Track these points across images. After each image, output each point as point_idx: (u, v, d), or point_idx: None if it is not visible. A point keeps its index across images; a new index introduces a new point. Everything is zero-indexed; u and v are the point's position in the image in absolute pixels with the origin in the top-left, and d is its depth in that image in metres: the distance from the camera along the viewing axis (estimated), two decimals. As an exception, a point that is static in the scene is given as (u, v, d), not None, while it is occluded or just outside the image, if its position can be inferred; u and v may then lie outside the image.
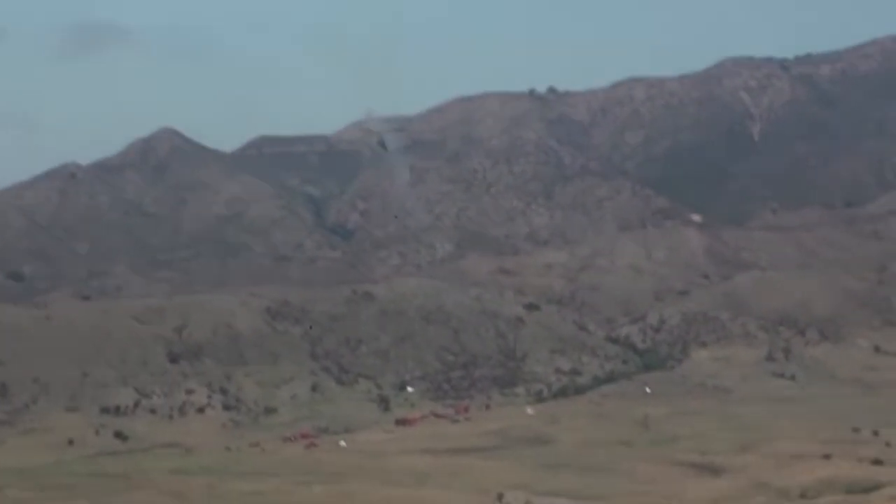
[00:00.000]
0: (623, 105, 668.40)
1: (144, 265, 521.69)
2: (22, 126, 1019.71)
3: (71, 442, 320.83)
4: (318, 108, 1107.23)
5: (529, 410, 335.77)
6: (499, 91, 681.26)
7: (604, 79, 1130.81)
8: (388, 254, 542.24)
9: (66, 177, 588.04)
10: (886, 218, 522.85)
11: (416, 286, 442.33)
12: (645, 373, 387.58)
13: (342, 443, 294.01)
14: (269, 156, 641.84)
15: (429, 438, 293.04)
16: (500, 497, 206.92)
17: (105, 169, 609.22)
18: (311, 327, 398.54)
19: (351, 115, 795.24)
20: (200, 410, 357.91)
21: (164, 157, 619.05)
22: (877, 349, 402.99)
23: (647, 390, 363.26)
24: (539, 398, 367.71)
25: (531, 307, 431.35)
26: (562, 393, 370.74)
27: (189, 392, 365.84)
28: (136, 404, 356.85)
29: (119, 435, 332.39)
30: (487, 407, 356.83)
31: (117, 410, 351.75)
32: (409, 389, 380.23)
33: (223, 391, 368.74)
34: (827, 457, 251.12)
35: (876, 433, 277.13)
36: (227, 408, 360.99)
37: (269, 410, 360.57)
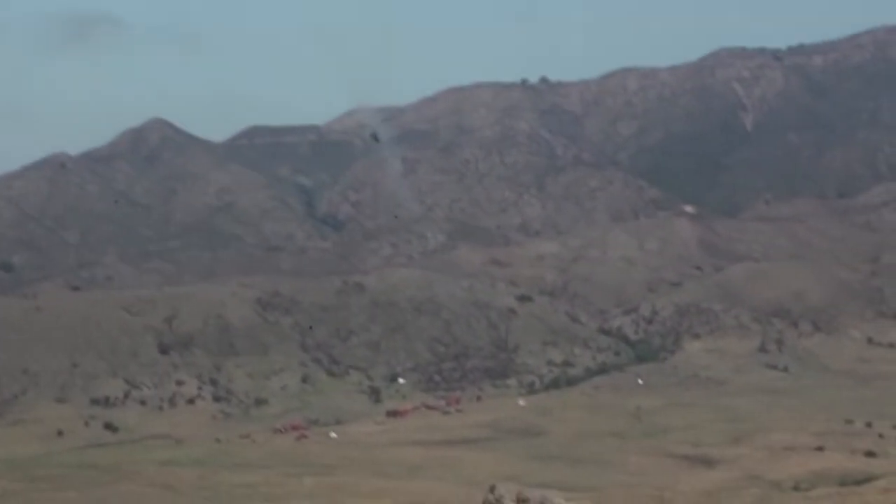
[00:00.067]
0: (616, 96, 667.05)
1: (134, 256, 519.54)
2: (12, 116, 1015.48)
3: (60, 433, 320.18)
4: (309, 99, 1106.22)
5: (521, 402, 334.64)
6: (491, 81, 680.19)
7: (596, 69, 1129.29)
8: (379, 244, 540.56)
9: (55, 167, 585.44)
10: (879, 209, 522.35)
11: (407, 277, 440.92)
12: (637, 364, 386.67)
13: (333, 434, 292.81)
14: (259, 146, 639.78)
15: (420, 430, 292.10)
16: (492, 489, 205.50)
17: (95, 159, 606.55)
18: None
19: (342, 106, 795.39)
20: (191, 402, 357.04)
21: (155, 148, 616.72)
22: (870, 340, 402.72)
23: (640, 382, 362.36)
24: (531, 390, 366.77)
25: (523, 298, 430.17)
26: (554, 385, 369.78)
27: (179, 383, 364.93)
28: (126, 395, 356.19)
29: (109, 426, 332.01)
30: (479, 398, 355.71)
31: (107, 401, 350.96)
32: (401, 381, 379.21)
33: (213, 382, 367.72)
34: (820, 449, 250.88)
35: (869, 425, 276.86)
36: (217, 399, 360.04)
37: (260, 402, 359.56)
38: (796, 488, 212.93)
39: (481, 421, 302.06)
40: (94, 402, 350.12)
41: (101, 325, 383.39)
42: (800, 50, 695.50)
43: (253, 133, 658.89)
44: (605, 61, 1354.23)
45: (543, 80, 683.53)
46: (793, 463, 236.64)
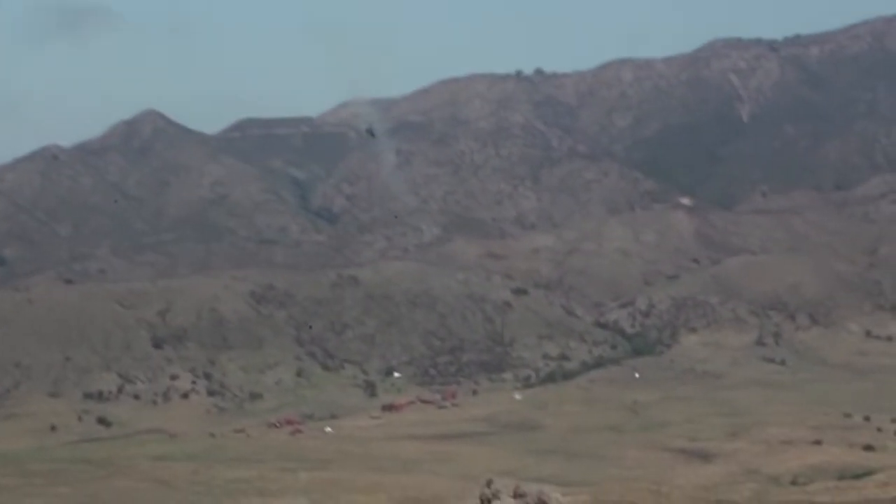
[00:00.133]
0: (611, 87, 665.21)
1: (127, 248, 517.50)
2: (3, 108, 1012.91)
3: (53, 428, 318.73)
4: (302, 91, 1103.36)
5: (517, 396, 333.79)
6: (486, 73, 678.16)
7: (591, 60, 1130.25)
8: (373, 237, 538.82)
9: (48, 159, 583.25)
10: (877, 200, 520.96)
11: (402, 270, 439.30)
12: (634, 358, 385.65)
13: (328, 429, 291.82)
14: (253, 138, 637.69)
15: (416, 424, 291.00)
16: (488, 483, 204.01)
17: (87, 151, 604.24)
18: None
19: (336, 97, 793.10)
20: (185, 396, 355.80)
21: (148, 140, 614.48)
22: (868, 334, 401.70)
23: (636, 375, 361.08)
24: (527, 384, 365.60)
25: (519, 291, 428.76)
26: (550, 378, 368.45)
27: (173, 377, 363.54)
28: (120, 390, 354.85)
29: (102, 421, 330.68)
30: (475, 392, 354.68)
31: (100, 396, 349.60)
32: (396, 375, 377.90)
33: (207, 376, 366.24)
34: (818, 443, 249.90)
35: (867, 418, 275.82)
36: (211, 393, 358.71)
37: (254, 396, 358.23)
38: (794, 482, 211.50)
39: (477, 415, 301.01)
40: (88, 396, 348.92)
41: (94, 319, 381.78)
42: (796, 41, 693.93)
43: (246, 125, 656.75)
44: (600, 52, 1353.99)
45: (538, 72, 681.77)
46: (790, 457, 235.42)
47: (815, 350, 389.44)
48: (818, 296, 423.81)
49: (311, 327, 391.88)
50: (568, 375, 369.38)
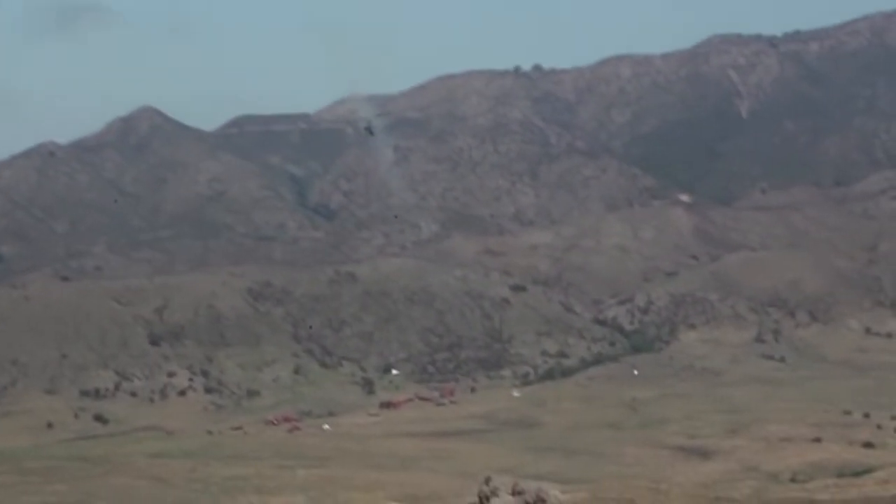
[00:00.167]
0: (609, 83, 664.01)
1: (124, 245, 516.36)
2: (1, 105, 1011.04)
3: (50, 425, 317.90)
4: (299, 87, 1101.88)
5: (516, 393, 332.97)
6: (484, 69, 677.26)
7: (590, 56, 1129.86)
8: (371, 234, 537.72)
9: (44, 155, 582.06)
10: (877, 197, 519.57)
11: (400, 267, 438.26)
12: (633, 355, 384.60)
13: (326, 426, 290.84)
14: (250, 135, 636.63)
15: (414, 422, 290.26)
16: (487, 481, 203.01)
17: (84, 148, 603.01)
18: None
19: (333, 94, 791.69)
20: (182, 393, 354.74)
21: (144, 136, 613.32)
22: (867, 330, 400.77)
23: (635, 372, 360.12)
24: (525, 381, 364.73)
25: (517, 288, 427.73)
26: (548, 375, 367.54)
27: (170, 374, 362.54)
28: (117, 387, 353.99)
29: (99, 418, 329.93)
30: (473, 390, 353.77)
31: (97, 393, 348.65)
32: (394, 372, 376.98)
33: (205, 373, 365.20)
34: (817, 440, 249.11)
35: (867, 416, 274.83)
36: (208, 390, 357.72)
37: (252, 393, 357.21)
38: (793, 480, 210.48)
39: (475, 412, 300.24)
40: (84, 393, 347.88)
41: (90, 316, 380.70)
42: (795, 36, 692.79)
43: (243, 122, 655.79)
44: (598, 48, 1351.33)
45: (536, 68, 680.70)
46: (790, 454, 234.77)
47: (814, 347, 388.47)
48: (818, 292, 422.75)
49: (311, 327, 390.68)
50: (566, 372, 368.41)
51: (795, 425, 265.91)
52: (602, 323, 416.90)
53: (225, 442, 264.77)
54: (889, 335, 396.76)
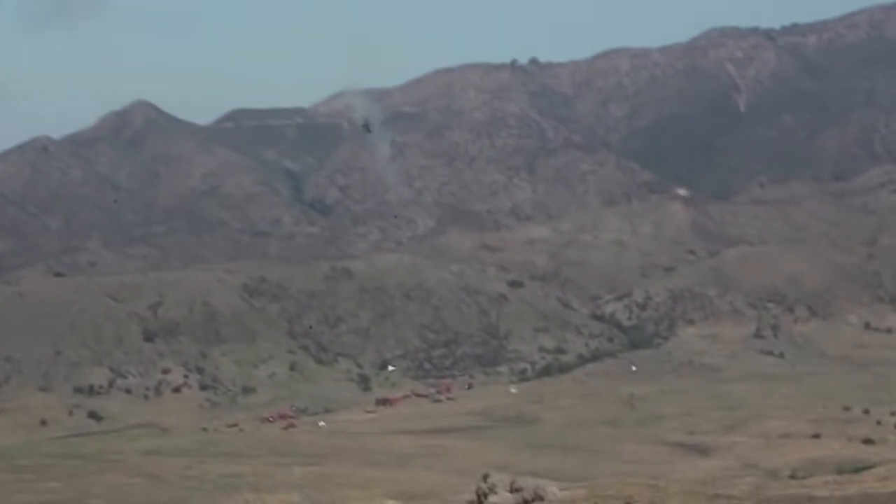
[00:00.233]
0: (607, 77, 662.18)
1: (118, 241, 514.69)
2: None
3: (44, 422, 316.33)
4: (295, 80, 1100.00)
5: (513, 389, 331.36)
6: (480, 62, 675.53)
7: (587, 50, 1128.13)
8: (367, 229, 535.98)
9: (38, 150, 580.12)
10: (876, 191, 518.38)
11: (396, 262, 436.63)
12: (631, 351, 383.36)
13: (322, 423, 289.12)
14: (245, 129, 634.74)
15: (410, 418, 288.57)
16: (485, 478, 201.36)
17: (78, 142, 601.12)
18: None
19: (329, 88, 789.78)
20: (176, 390, 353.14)
21: (139, 131, 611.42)
22: (867, 326, 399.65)
23: (633, 369, 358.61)
24: (523, 377, 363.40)
25: (514, 284, 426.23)
26: (546, 372, 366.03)
27: (165, 371, 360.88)
28: (111, 384, 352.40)
29: (93, 415, 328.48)
30: (470, 386, 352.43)
31: (91, 390, 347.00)
32: (390, 368, 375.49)
33: (199, 370, 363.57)
34: (817, 436, 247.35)
35: (867, 412, 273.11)
36: (203, 387, 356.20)
37: (247, 390, 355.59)
38: (793, 476, 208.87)
39: (472, 409, 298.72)
40: (78, 390, 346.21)
41: (84, 312, 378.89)
42: (794, 29, 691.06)
43: (239, 115, 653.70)
44: (595, 42, 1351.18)
45: (533, 61, 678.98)
46: (789, 450, 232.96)
47: (813, 342, 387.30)
48: (817, 287, 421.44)
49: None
50: (564, 369, 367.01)
51: (794, 421, 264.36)
52: (600, 319, 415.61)
53: (220, 439, 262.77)
54: (889, 330, 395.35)
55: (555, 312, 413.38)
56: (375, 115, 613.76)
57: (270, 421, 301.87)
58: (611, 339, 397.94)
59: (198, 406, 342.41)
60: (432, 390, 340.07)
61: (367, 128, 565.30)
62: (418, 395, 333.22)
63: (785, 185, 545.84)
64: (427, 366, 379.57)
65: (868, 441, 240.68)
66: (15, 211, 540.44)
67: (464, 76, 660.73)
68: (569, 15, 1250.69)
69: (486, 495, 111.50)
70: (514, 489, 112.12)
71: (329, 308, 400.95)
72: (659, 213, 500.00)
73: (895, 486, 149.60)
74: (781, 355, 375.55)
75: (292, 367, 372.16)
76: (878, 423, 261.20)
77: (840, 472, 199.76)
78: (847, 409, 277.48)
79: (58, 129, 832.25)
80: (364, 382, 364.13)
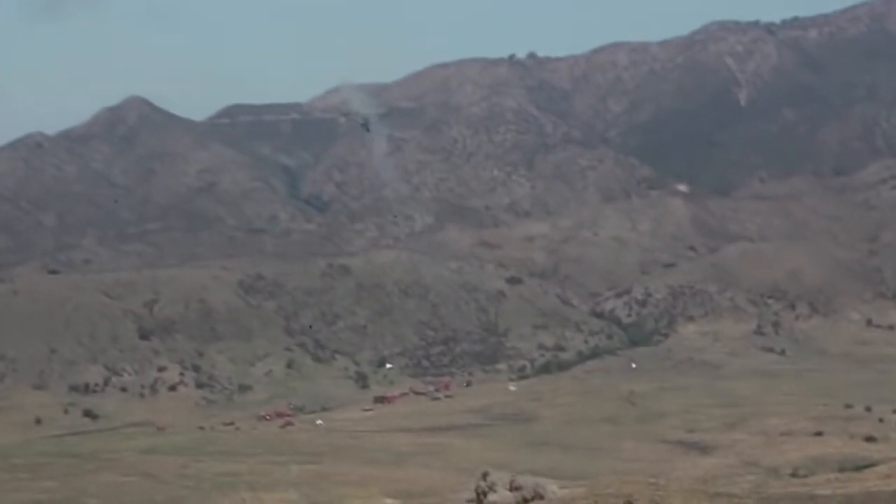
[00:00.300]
0: (605, 71, 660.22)
1: (113, 238, 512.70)
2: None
3: (39, 421, 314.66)
4: (291, 76, 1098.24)
5: (512, 387, 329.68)
6: (478, 57, 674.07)
7: (585, 44, 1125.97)
8: (364, 226, 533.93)
9: (31, 147, 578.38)
10: (877, 186, 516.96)
11: (393, 259, 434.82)
12: (630, 348, 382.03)
13: (319, 421, 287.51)
14: (241, 125, 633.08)
15: (408, 416, 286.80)
16: (484, 476, 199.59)
17: (72, 139, 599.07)
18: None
19: (326, 83, 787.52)
20: (172, 388, 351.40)
21: (133, 127, 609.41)
22: (869, 322, 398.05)
23: (633, 366, 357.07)
24: (522, 374, 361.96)
25: (513, 281, 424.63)
26: (545, 369, 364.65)
27: (161, 369, 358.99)
28: (106, 382, 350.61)
29: (88, 413, 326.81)
30: (468, 384, 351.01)
31: (86, 388, 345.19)
32: (388, 366, 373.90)
33: (196, 368, 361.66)
34: (818, 434, 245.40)
35: (868, 409, 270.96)
36: (199, 385, 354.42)
37: (244, 388, 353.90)
38: (794, 474, 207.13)
39: (471, 407, 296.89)
40: (74, 388, 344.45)
41: (79, 310, 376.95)
42: (794, 23, 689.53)
43: (234, 111, 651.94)
44: (594, 36, 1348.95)
45: (531, 56, 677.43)
46: (790, 448, 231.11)
47: (815, 339, 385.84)
48: (818, 284, 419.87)
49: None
50: (563, 366, 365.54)
51: (796, 419, 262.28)
52: (599, 316, 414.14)
53: (217, 437, 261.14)
54: (891, 327, 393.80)
55: (554, 309, 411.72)
56: (372, 111, 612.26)
57: (267, 419, 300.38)
58: (610, 337, 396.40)
59: (194, 404, 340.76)
60: (431, 388, 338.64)
61: (365, 127, 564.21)
62: (416, 393, 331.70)
63: (785, 180, 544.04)
64: (425, 363, 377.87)
65: (870, 439, 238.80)
66: (9, 208, 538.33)
67: (461, 71, 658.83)
68: (567, 9, 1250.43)
69: (485, 494, 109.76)
70: (513, 487, 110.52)
71: (326, 305, 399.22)
72: (659, 209, 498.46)
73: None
74: (782, 352, 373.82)
75: (289, 365, 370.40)
76: (881, 420, 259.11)
77: (842, 470, 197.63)
78: (849, 406, 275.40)
79: (52, 125, 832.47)
80: (362, 380, 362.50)
